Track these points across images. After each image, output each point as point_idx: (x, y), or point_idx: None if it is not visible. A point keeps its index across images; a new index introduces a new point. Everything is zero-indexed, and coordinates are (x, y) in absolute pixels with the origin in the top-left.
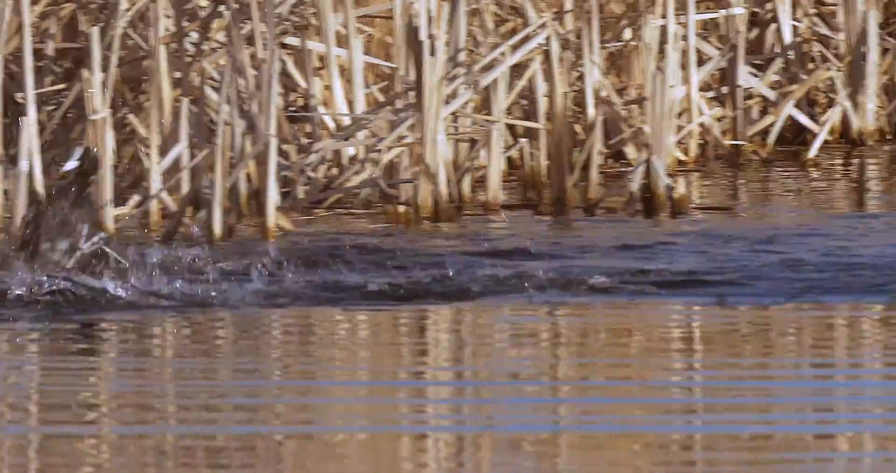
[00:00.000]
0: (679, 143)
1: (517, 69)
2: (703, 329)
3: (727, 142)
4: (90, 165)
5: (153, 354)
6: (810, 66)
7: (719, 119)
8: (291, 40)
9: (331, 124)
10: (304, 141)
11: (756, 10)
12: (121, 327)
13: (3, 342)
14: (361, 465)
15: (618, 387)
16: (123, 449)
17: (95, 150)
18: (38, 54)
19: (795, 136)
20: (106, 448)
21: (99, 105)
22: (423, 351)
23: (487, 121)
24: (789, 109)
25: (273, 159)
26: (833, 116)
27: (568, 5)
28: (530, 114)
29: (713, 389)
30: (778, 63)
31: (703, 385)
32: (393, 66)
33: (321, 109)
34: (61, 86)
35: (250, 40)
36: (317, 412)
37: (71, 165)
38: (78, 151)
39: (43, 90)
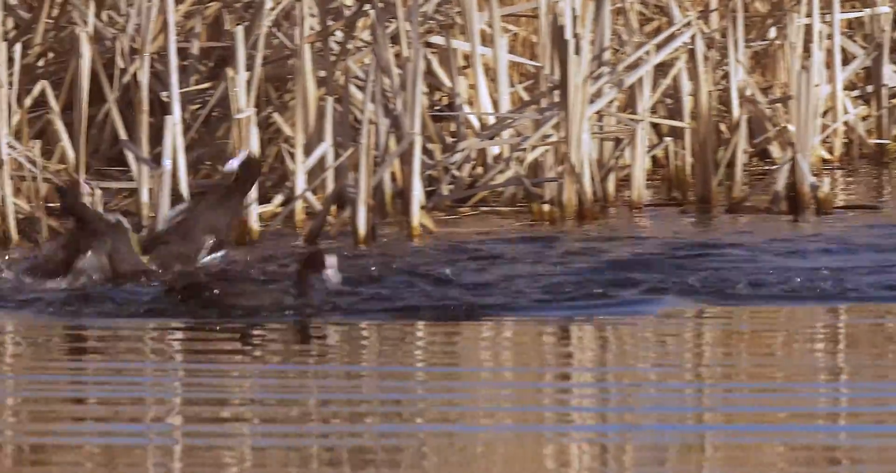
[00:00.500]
0: (824, 141)
1: (662, 68)
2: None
3: (872, 140)
4: (251, 171)
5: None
6: None
7: (864, 118)
8: (436, 39)
9: (475, 123)
10: (449, 140)
11: None
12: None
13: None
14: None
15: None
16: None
17: (257, 156)
18: (182, 53)
19: None
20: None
21: (243, 104)
22: (568, 354)
23: (632, 120)
24: None
25: (418, 158)
26: None
27: (713, 4)
28: (675, 113)
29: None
30: None
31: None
32: (538, 64)
33: (466, 108)
34: (206, 85)
35: (395, 39)
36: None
37: (231, 166)
38: (242, 155)
39: (187, 89)
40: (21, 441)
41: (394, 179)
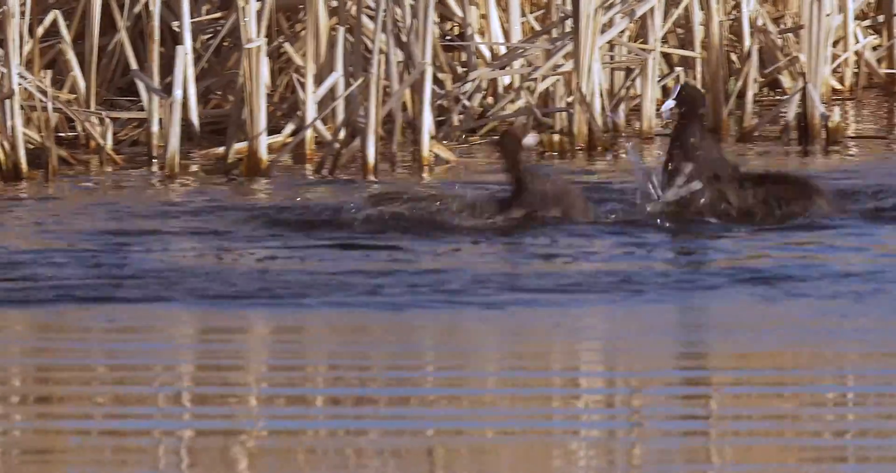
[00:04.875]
0: (834, 71)
1: None
2: None
3: (883, 71)
4: (690, 102)
5: None
6: None
7: (875, 48)
8: None
9: (486, 53)
10: (460, 70)
11: None
12: None
13: None
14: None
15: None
16: None
17: (696, 86)
18: None
19: None
20: None
21: (254, 34)
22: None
23: (643, 50)
24: None
25: (428, 88)
26: None
27: None
28: (686, 43)
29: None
30: None
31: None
32: None
33: (477, 38)
34: (217, 15)
35: None
36: None
37: (669, 105)
38: (676, 88)
39: (198, 19)
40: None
41: (404, 109)
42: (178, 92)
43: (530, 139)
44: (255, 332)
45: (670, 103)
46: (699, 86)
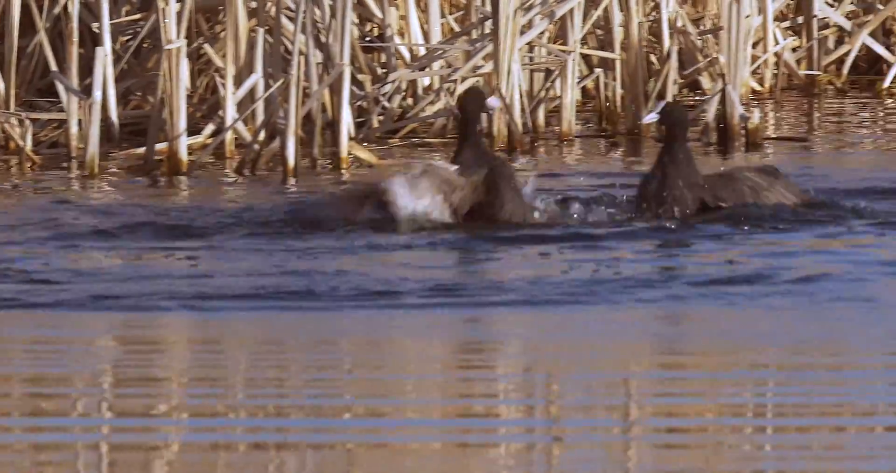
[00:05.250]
0: (754, 73)
1: None
2: None
3: (802, 72)
4: (674, 122)
5: None
6: None
7: (794, 49)
8: None
9: (406, 54)
10: (380, 71)
11: None
12: None
13: None
14: None
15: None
16: None
17: (680, 105)
18: None
19: (871, 66)
20: None
21: (174, 35)
22: None
23: (562, 51)
24: (864, 39)
25: (347, 89)
26: None
27: None
28: (605, 44)
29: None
30: None
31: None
32: None
33: (396, 39)
34: (137, 16)
35: None
36: None
37: (651, 118)
38: (660, 105)
39: (118, 20)
40: None
41: (324, 110)
42: (97, 93)
43: (493, 101)
44: (171, 340)
45: (653, 116)
46: (618, 86)
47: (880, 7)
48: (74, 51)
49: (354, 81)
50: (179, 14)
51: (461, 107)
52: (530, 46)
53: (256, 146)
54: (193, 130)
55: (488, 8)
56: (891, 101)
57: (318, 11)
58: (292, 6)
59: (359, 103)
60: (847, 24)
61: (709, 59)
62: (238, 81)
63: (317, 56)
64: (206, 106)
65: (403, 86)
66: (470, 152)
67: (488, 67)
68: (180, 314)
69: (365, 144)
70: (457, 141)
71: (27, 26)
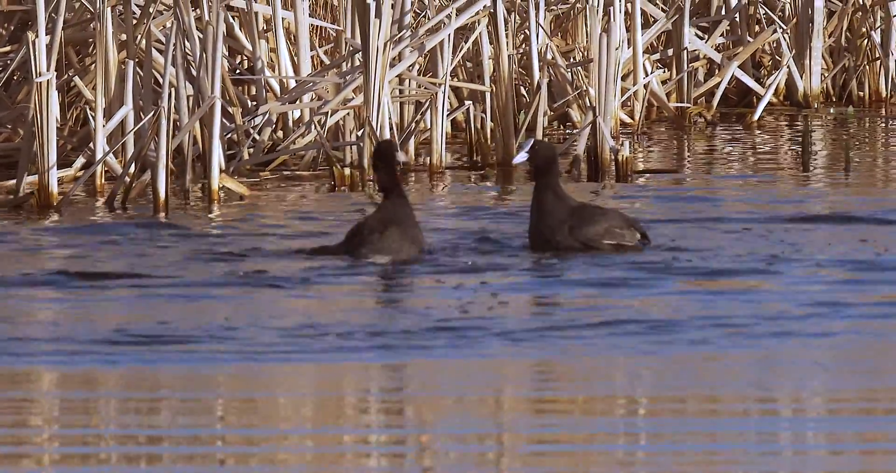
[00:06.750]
0: (624, 105)
1: (463, 32)
2: None
3: (672, 104)
4: (543, 159)
5: None
6: (756, 28)
7: (664, 81)
8: (237, 2)
9: (276, 87)
10: (250, 104)
11: None
12: None
13: None
14: None
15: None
16: None
17: (548, 143)
18: None
19: (741, 98)
20: None
21: (44, 68)
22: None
23: (432, 83)
24: (734, 71)
25: (217, 122)
26: (778, 79)
27: None
28: (475, 76)
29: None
30: (723, 25)
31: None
32: (339, 28)
33: (267, 72)
34: (6, 48)
35: (196, 2)
36: None
37: (521, 158)
38: (528, 143)
39: None
40: None
41: (195, 143)
42: None
43: (400, 156)
44: (39, 387)
45: (523, 156)
46: (488, 119)
47: (750, 39)
48: None
49: (225, 113)
50: (49, 46)
51: (378, 157)
52: (400, 79)
53: (127, 179)
54: (64, 162)
55: (358, 41)
56: (760, 132)
57: (188, 44)
58: (163, 39)
59: (229, 136)
60: (717, 57)
61: (579, 91)
62: (109, 114)
63: (187, 88)
64: (76, 138)
65: (274, 118)
66: (400, 202)
67: (358, 100)
68: None
69: (236, 176)
70: (382, 193)
71: None
